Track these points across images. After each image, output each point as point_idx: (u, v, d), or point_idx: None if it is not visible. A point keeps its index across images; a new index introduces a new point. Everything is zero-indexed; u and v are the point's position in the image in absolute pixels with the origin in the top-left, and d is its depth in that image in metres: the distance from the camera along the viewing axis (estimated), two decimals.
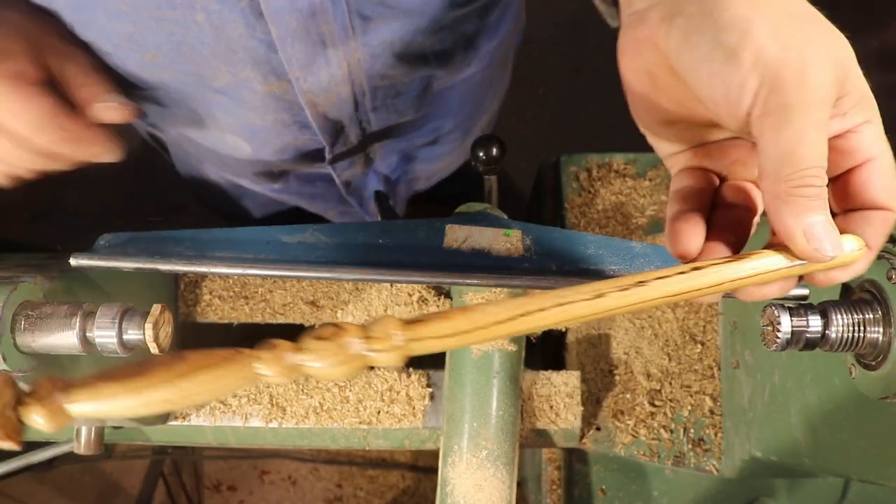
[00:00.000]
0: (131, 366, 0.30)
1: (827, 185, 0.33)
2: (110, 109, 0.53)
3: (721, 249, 0.37)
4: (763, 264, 0.35)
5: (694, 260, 0.37)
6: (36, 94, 0.49)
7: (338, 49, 0.58)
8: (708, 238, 0.37)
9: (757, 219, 0.40)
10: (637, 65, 0.38)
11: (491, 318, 0.33)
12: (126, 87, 0.63)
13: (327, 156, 0.73)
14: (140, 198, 1.77)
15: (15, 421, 0.31)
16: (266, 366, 0.31)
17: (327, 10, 0.54)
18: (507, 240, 0.57)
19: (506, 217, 0.70)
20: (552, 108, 1.82)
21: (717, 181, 0.41)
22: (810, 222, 0.33)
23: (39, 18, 0.52)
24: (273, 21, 0.53)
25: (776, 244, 0.35)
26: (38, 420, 0.31)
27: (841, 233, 0.35)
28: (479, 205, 0.70)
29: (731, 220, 0.38)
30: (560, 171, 0.87)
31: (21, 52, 0.49)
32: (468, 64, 0.71)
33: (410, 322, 0.32)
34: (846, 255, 0.35)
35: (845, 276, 0.36)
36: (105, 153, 0.54)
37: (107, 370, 0.31)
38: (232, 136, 0.71)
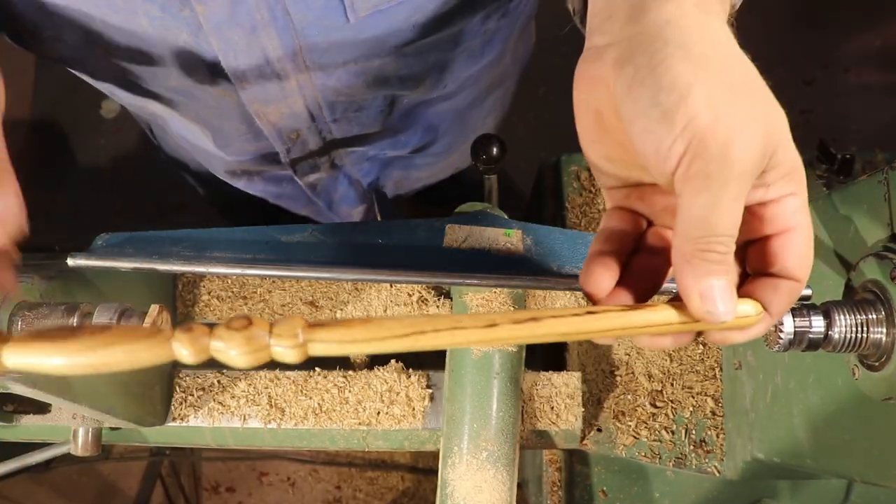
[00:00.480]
0: (64, 330, 0.33)
1: (735, 251, 0.34)
2: None
3: (625, 297, 0.38)
4: (656, 317, 0.36)
5: (600, 302, 0.38)
6: None
7: (285, 64, 0.57)
8: (619, 283, 0.39)
9: (670, 270, 0.40)
10: (588, 99, 0.39)
11: (386, 332, 0.35)
12: (86, 73, 0.61)
13: (283, 160, 0.72)
14: (138, 198, 1.77)
15: None
16: (181, 345, 0.33)
17: (269, 28, 0.52)
18: (507, 240, 0.57)
19: (506, 217, 0.70)
20: (552, 108, 1.82)
21: (643, 225, 0.42)
22: (708, 285, 0.34)
23: None
24: (214, 35, 0.52)
25: (678, 300, 0.37)
26: None
27: (747, 295, 0.37)
28: (479, 205, 0.70)
29: (647, 268, 0.40)
30: (560, 170, 0.87)
31: None
32: (444, 86, 0.70)
33: (313, 325, 0.35)
34: (741, 319, 0.36)
35: (741, 338, 0.37)
36: None
37: (42, 330, 0.35)
38: (195, 126, 0.70)
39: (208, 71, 0.57)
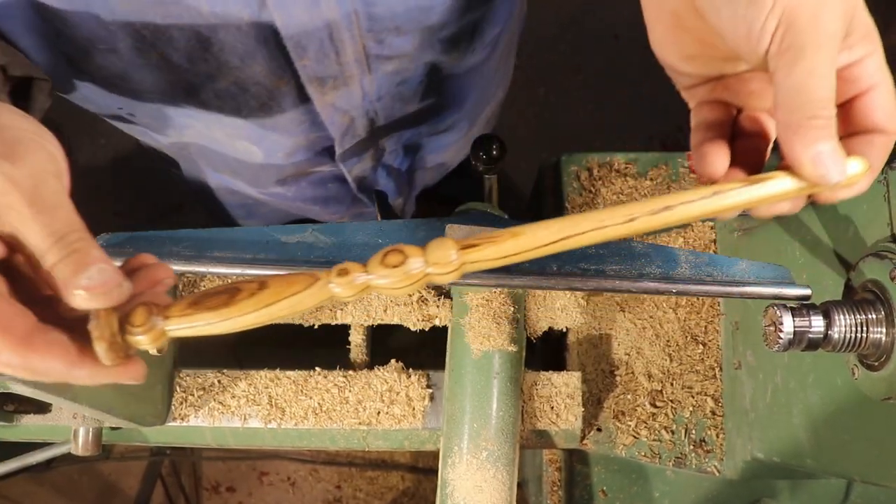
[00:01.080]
0: (220, 295, 0.35)
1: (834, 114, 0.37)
2: (95, 295, 0.34)
3: (738, 174, 0.41)
4: (774, 188, 0.39)
5: (716, 182, 0.41)
6: None
7: (342, 34, 0.57)
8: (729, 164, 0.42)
9: (770, 147, 0.44)
10: (662, 4, 0.42)
11: (536, 243, 0.37)
12: (131, 94, 0.62)
13: (337, 150, 0.73)
14: (138, 198, 1.77)
15: (124, 346, 0.35)
16: (341, 287, 0.36)
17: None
18: None
19: (506, 217, 0.70)
20: (552, 108, 1.82)
21: (734, 112, 0.44)
22: (818, 151, 0.36)
23: None
24: (276, 9, 0.52)
25: (786, 167, 0.39)
26: (141, 341, 0.35)
27: (846, 155, 0.39)
28: (479, 205, 0.70)
29: (748, 149, 0.42)
30: (560, 170, 0.87)
31: None
32: (473, 51, 0.71)
33: (466, 247, 0.37)
34: (850, 176, 0.38)
35: (849, 193, 0.40)
36: (116, 379, 0.37)
37: (198, 298, 0.36)
38: (242, 142, 0.71)
39: (267, 55, 0.57)
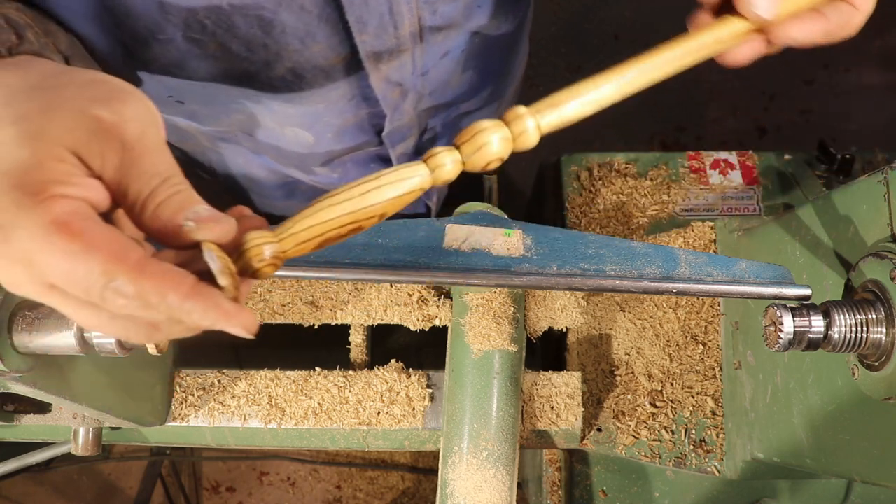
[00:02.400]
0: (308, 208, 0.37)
1: None
2: (204, 227, 0.34)
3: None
4: (724, 33, 0.46)
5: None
6: (83, 249, 0.32)
7: (401, 6, 0.59)
8: None
9: None
10: None
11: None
12: (183, 82, 0.62)
13: (387, 127, 0.74)
14: None
15: (238, 282, 0.35)
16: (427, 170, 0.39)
17: None
18: (507, 240, 0.57)
19: (506, 217, 0.70)
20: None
21: None
22: None
23: (84, 83, 0.37)
24: None
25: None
26: (263, 267, 0.36)
27: None
28: (479, 205, 0.70)
29: None
30: (560, 170, 0.87)
31: (67, 172, 0.34)
32: (507, 19, 0.73)
33: (534, 111, 0.41)
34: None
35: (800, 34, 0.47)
36: (226, 325, 0.35)
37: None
38: (292, 129, 0.71)
39: (328, 33, 0.58)
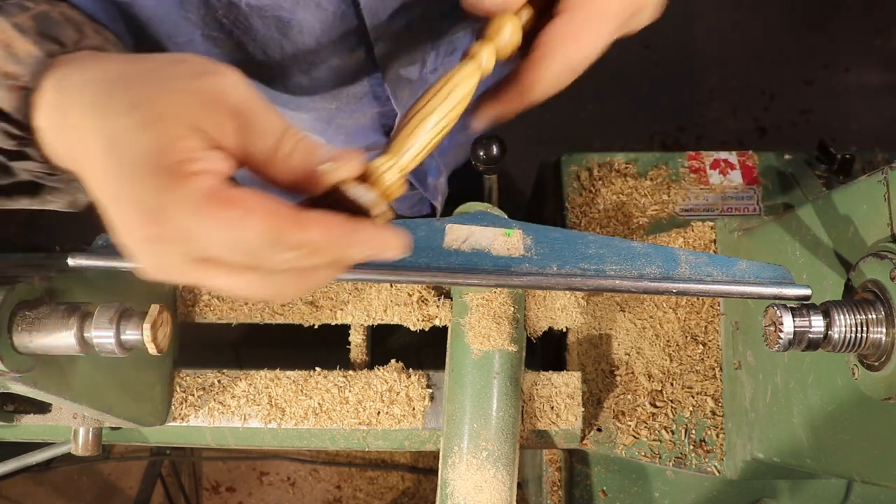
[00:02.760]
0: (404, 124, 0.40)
1: None
2: (342, 165, 0.36)
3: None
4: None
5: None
6: (243, 214, 0.33)
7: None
8: None
9: None
10: None
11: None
12: None
13: (397, 124, 0.74)
14: None
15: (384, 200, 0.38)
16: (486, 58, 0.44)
17: None
18: (507, 240, 0.57)
19: (506, 217, 0.70)
20: (552, 108, 1.82)
21: None
22: None
23: (171, 62, 0.38)
24: None
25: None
26: (391, 184, 0.39)
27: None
28: (479, 205, 0.70)
29: None
30: (560, 170, 0.87)
31: (195, 148, 0.34)
32: None
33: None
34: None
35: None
36: (386, 249, 0.36)
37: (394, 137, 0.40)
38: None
39: (344, 31, 0.59)
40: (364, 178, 0.38)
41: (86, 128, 0.35)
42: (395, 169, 0.39)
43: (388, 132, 0.76)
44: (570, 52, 0.43)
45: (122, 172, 0.34)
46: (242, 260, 0.33)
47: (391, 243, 0.36)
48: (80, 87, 0.37)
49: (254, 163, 0.36)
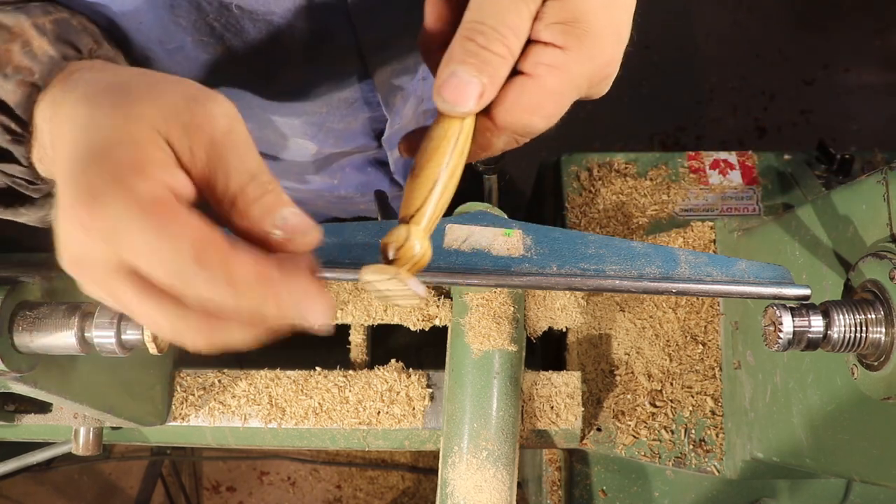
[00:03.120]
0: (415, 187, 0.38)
1: None
2: (294, 236, 0.34)
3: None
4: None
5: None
6: (178, 228, 0.32)
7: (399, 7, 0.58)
8: None
9: None
10: None
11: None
12: None
13: (387, 131, 0.74)
14: None
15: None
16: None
17: None
18: (507, 240, 0.57)
19: (506, 217, 0.70)
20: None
21: None
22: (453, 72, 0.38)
23: (173, 82, 0.37)
24: None
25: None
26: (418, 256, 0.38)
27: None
28: (479, 205, 0.70)
29: None
30: (560, 170, 0.87)
31: (161, 159, 0.34)
32: None
33: None
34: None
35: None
36: (311, 310, 0.33)
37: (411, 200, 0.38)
38: (295, 139, 0.72)
39: (336, 31, 0.58)
40: (387, 252, 0.37)
41: (69, 115, 0.36)
42: (419, 242, 0.37)
43: (378, 136, 0.76)
44: (531, 121, 0.40)
45: (82, 155, 0.33)
46: (161, 278, 0.32)
47: (316, 306, 0.33)
48: (78, 84, 0.38)
49: (216, 198, 0.35)
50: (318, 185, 0.84)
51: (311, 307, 0.33)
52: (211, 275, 0.31)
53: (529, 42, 0.39)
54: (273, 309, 0.32)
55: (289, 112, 0.66)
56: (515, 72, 0.40)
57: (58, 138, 0.37)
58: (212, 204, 0.36)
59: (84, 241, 0.33)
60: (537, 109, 0.39)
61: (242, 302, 0.32)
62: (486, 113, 0.40)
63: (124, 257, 0.32)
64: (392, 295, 0.37)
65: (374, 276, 0.36)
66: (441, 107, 0.38)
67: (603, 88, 0.44)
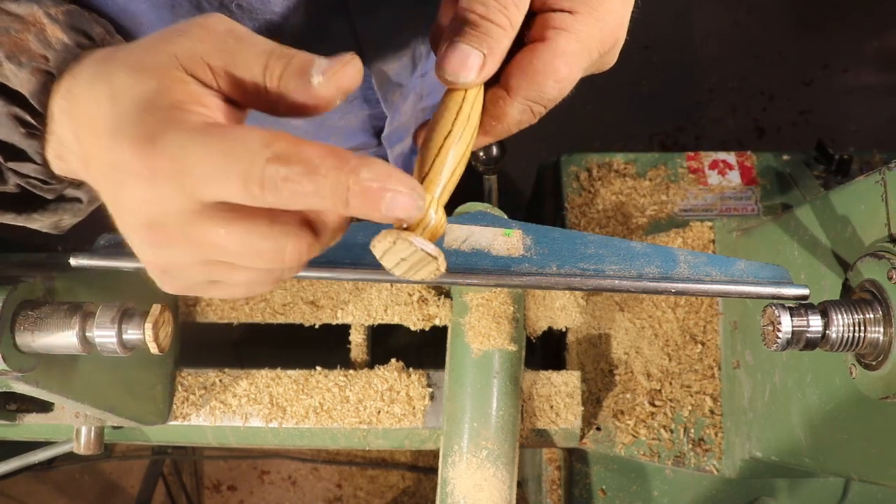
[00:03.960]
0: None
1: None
2: (337, 71, 0.35)
3: None
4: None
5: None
6: (242, 133, 0.32)
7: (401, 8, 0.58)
8: None
9: None
10: None
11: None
12: None
13: (386, 128, 0.74)
14: None
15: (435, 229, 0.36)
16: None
17: None
18: (507, 240, 0.57)
19: (506, 217, 0.70)
20: (552, 108, 1.83)
21: None
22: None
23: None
24: None
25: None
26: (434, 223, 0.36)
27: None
28: (479, 205, 0.70)
29: None
30: (560, 171, 0.87)
31: (195, 91, 0.35)
32: None
33: None
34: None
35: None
36: (395, 182, 0.32)
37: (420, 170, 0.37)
38: (294, 132, 0.72)
39: (335, 29, 0.58)
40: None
41: (89, 98, 0.36)
42: (434, 211, 0.36)
43: (378, 133, 0.76)
44: (545, 85, 0.39)
45: (123, 121, 0.33)
46: (245, 192, 0.31)
47: (399, 179, 0.32)
48: (83, 70, 0.38)
49: (250, 92, 0.35)
50: None
51: (394, 182, 0.31)
52: (291, 169, 0.31)
53: (538, 14, 0.39)
54: (358, 191, 0.31)
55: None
56: (524, 43, 0.40)
57: (84, 125, 0.37)
58: (252, 102, 0.36)
59: (156, 196, 0.32)
60: (550, 72, 0.39)
61: (328, 189, 0.31)
62: (497, 83, 0.40)
63: (202, 192, 0.32)
64: (408, 265, 0.36)
65: (384, 242, 0.35)
66: (443, 79, 0.38)
67: (611, 58, 0.44)
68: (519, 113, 0.41)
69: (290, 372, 0.75)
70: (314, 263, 0.54)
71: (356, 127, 0.75)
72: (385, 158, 0.82)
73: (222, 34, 0.35)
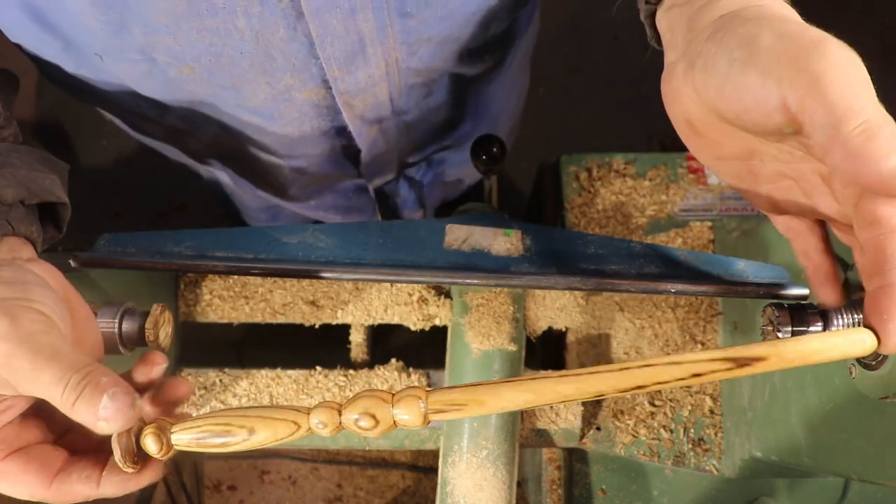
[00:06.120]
0: (221, 418, 0.38)
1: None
2: (110, 421, 0.36)
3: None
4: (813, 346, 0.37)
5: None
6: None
7: (376, 47, 0.58)
8: None
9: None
10: (677, 112, 0.44)
11: (497, 409, 0.37)
12: (157, 113, 0.63)
13: (363, 160, 0.74)
14: (140, 198, 1.77)
15: (134, 446, 0.38)
16: (321, 429, 0.39)
17: (367, 8, 0.53)
18: (507, 240, 0.57)
19: (506, 217, 0.70)
20: (552, 108, 1.82)
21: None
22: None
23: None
24: (313, 20, 0.52)
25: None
26: (150, 447, 0.38)
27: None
28: (479, 205, 0.70)
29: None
30: (560, 171, 0.87)
31: None
32: (494, 64, 0.72)
33: (435, 410, 0.37)
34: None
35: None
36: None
37: (202, 419, 0.39)
38: (267, 154, 0.71)
39: (298, 71, 0.58)
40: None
41: None
42: (163, 442, 0.39)
43: (356, 164, 0.76)
44: None
45: None
46: None
47: (138, 483, 0.39)
48: None
49: (50, 408, 0.37)
50: (300, 204, 0.84)
51: (138, 484, 0.40)
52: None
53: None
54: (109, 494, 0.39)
55: (257, 130, 0.66)
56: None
57: None
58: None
59: None
60: None
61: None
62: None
63: None
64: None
65: (116, 439, 0.38)
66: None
67: None
68: None
69: (290, 372, 0.75)
70: (314, 263, 0.54)
71: (331, 156, 0.74)
72: (366, 188, 0.82)
73: (30, 350, 0.36)
